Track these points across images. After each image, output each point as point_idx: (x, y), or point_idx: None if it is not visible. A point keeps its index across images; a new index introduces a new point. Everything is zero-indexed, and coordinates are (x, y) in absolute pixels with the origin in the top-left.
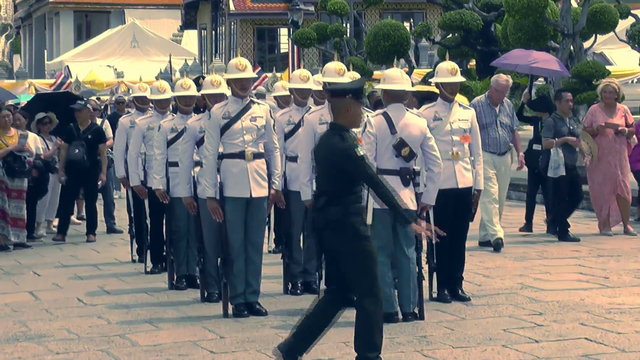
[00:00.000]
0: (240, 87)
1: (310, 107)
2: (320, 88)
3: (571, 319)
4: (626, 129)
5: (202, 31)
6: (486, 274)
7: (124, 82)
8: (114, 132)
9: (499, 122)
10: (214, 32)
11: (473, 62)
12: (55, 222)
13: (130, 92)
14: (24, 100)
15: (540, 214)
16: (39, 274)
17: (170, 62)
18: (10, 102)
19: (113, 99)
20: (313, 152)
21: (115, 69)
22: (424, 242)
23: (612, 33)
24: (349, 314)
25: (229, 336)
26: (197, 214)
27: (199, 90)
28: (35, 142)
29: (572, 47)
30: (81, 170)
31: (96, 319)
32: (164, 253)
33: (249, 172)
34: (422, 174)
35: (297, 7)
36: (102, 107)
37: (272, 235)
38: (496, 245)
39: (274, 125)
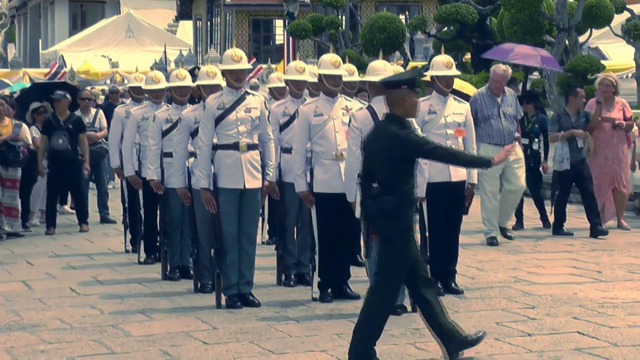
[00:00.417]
0: (235, 78)
1: (305, 99)
2: (315, 80)
3: (564, 313)
4: (624, 122)
5: (198, 22)
6: (479, 267)
7: (118, 72)
8: (108, 122)
9: (502, 113)
10: (209, 23)
11: (468, 56)
12: None
13: (125, 82)
14: (17, 89)
15: (532, 208)
16: (32, 264)
17: (165, 52)
18: (6, 91)
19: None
20: (364, 143)
21: (110, 59)
22: (417, 236)
23: (607, 28)
24: (343, 307)
25: (222, 327)
26: (191, 205)
27: (194, 81)
28: (23, 132)
29: (567, 42)
30: (66, 160)
31: (89, 308)
32: (158, 243)
33: (243, 163)
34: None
35: None
36: (104, 96)
37: (266, 227)
38: (490, 244)
39: (268, 116)
